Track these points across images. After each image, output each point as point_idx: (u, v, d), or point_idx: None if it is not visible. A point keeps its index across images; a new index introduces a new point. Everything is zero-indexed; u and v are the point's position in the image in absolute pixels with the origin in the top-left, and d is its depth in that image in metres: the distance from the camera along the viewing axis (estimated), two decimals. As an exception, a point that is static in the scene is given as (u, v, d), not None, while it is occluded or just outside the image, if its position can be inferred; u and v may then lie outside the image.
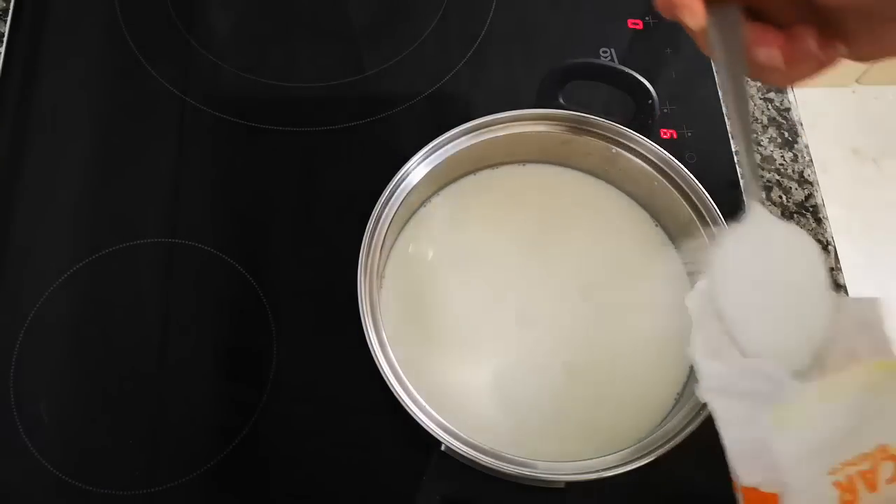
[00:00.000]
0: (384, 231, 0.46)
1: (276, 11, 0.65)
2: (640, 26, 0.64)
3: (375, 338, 0.43)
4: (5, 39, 0.61)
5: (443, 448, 0.41)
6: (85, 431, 0.50)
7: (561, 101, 0.50)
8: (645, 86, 0.50)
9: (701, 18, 0.29)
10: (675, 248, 0.50)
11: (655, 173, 0.49)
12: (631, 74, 0.50)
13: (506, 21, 0.64)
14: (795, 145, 0.61)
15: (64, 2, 0.63)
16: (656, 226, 0.51)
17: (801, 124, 0.62)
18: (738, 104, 0.31)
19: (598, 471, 0.40)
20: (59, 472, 0.48)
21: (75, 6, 0.63)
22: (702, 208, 0.48)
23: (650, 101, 0.50)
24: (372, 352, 0.42)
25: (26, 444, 0.48)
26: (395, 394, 0.41)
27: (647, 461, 0.41)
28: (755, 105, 0.63)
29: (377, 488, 0.48)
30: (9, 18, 0.62)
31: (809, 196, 0.59)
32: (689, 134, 0.59)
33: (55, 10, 0.63)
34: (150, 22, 0.63)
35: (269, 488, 0.48)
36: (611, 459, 0.41)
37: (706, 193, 0.48)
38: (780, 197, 0.59)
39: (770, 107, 0.63)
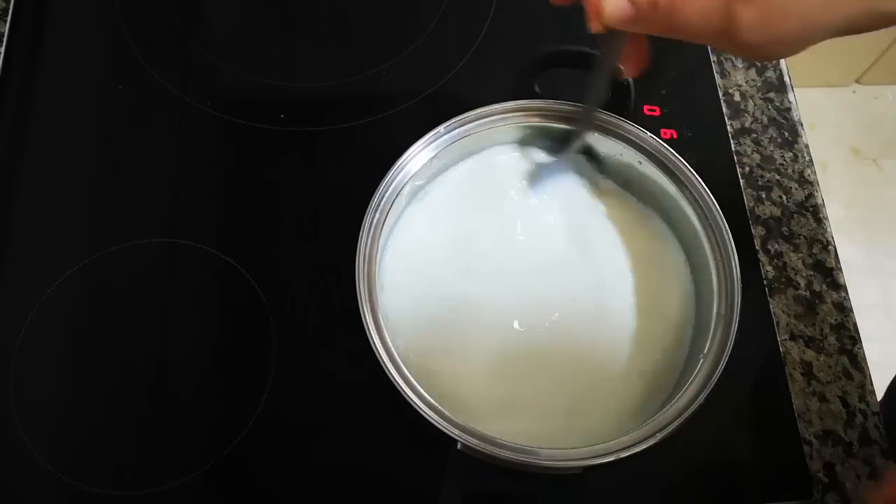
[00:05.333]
0: (382, 220, 0.46)
1: (276, 12, 0.65)
2: (640, 26, 0.64)
3: (378, 340, 0.43)
4: (5, 39, 0.61)
5: (459, 447, 0.41)
6: (85, 431, 0.50)
7: (537, 89, 0.51)
8: (620, 69, 0.50)
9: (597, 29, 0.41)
10: (673, 235, 0.51)
11: (650, 163, 0.49)
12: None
13: (506, 21, 0.64)
14: (795, 145, 0.61)
15: (64, 2, 0.63)
16: (657, 216, 0.52)
17: (801, 124, 0.62)
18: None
19: (614, 452, 0.41)
20: (59, 472, 0.48)
21: (75, 6, 0.63)
22: (700, 203, 0.48)
23: (626, 83, 0.50)
24: (376, 352, 0.42)
25: (26, 444, 0.48)
26: (407, 397, 0.41)
27: (661, 437, 0.41)
28: (755, 105, 0.62)
29: (378, 488, 0.48)
30: (9, 18, 0.62)
31: (809, 196, 0.59)
32: (689, 134, 0.59)
33: (55, 10, 0.63)
34: (150, 22, 0.63)
35: (269, 489, 0.48)
36: (626, 440, 0.41)
37: (704, 188, 0.48)
38: (780, 197, 0.59)
39: (770, 107, 0.63)
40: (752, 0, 0.37)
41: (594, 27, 0.41)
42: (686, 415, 0.42)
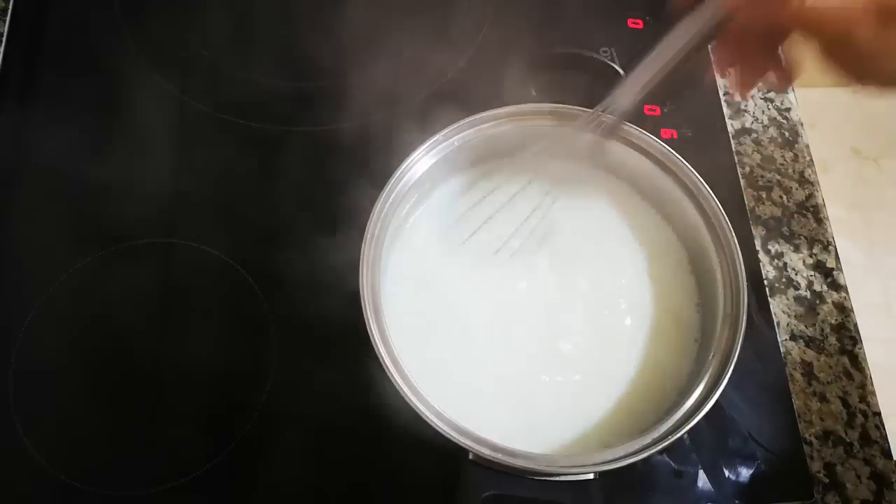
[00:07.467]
0: (387, 224, 0.46)
1: (276, 12, 0.65)
2: (641, 26, 0.64)
3: (382, 346, 0.42)
4: (5, 39, 0.61)
5: (471, 457, 0.41)
6: (85, 431, 0.50)
7: (533, 93, 0.50)
8: (614, 69, 0.50)
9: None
10: (677, 237, 0.51)
11: (654, 166, 0.49)
12: (602, 60, 0.51)
13: (506, 21, 0.64)
14: (796, 145, 0.61)
15: (64, 1, 0.63)
16: (658, 215, 0.51)
17: (802, 124, 0.62)
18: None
19: (627, 456, 0.41)
20: (59, 472, 0.47)
21: (75, 6, 0.63)
22: (703, 202, 0.48)
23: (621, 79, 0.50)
24: (382, 363, 0.42)
25: (26, 444, 0.48)
26: (415, 407, 0.41)
27: (673, 440, 0.41)
28: (756, 105, 0.63)
29: (379, 488, 0.48)
30: (8, 18, 0.62)
31: (810, 196, 0.59)
32: (690, 134, 0.59)
33: (55, 9, 0.63)
34: (150, 22, 0.63)
35: (269, 489, 0.48)
36: (638, 443, 0.41)
37: (706, 187, 0.48)
38: (781, 197, 0.59)
39: (770, 107, 0.62)
40: None
41: None
42: (698, 416, 0.42)
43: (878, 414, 0.52)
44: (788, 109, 0.62)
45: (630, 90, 0.43)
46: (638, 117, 0.48)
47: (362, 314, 0.43)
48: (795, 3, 0.34)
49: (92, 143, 0.58)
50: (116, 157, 0.58)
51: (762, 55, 0.40)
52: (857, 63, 0.36)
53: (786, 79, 0.41)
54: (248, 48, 0.63)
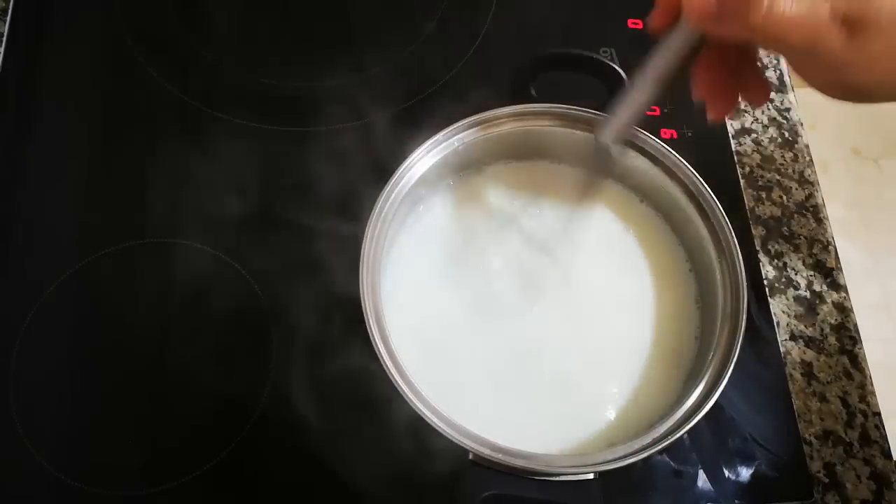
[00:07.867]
0: (387, 225, 0.46)
1: (276, 11, 0.65)
2: (641, 26, 0.64)
3: (382, 346, 0.42)
4: (5, 39, 0.61)
5: (471, 457, 0.41)
6: (85, 432, 0.50)
7: (533, 93, 0.50)
8: (616, 70, 0.50)
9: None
10: (678, 240, 0.51)
11: (653, 166, 0.49)
12: (602, 60, 0.51)
13: (506, 21, 0.64)
14: (796, 145, 0.61)
15: (63, 2, 0.63)
16: (658, 216, 0.51)
17: (802, 124, 0.62)
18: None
19: (627, 456, 0.41)
20: (59, 473, 0.48)
21: (75, 6, 0.63)
22: (702, 202, 0.48)
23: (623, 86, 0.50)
24: (382, 363, 0.42)
25: (26, 444, 0.48)
26: (415, 407, 0.41)
27: (672, 440, 0.41)
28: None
29: (379, 489, 0.48)
30: (8, 18, 0.62)
31: (810, 196, 0.59)
32: (689, 134, 0.59)
33: (55, 9, 0.63)
34: (150, 22, 0.63)
35: (268, 490, 0.48)
36: (638, 443, 0.41)
37: (706, 187, 0.48)
38: (781, 197, 0.59)
39: (770, 107, 0.62)
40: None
41: (657, 21, 0.37)
42: (698, 416, 0.41)
43: (878, 414, 0.52)
44: (788, 109, 0.62)
45: (618, 123, 0.45)
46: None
47: (362, 314, 0.43)
48: (760, 14, 0.34)
49: (91, 143, 0.58)
50: (116, 156, 0.58)
51: (731, 78, 0.40)
52: (825, 75, 0.36)
53: (760, 96, 0.42)
54: (248, 48, 0.63)
